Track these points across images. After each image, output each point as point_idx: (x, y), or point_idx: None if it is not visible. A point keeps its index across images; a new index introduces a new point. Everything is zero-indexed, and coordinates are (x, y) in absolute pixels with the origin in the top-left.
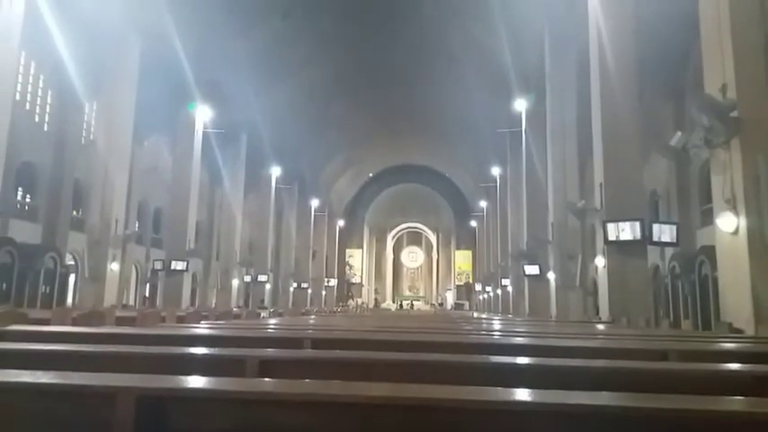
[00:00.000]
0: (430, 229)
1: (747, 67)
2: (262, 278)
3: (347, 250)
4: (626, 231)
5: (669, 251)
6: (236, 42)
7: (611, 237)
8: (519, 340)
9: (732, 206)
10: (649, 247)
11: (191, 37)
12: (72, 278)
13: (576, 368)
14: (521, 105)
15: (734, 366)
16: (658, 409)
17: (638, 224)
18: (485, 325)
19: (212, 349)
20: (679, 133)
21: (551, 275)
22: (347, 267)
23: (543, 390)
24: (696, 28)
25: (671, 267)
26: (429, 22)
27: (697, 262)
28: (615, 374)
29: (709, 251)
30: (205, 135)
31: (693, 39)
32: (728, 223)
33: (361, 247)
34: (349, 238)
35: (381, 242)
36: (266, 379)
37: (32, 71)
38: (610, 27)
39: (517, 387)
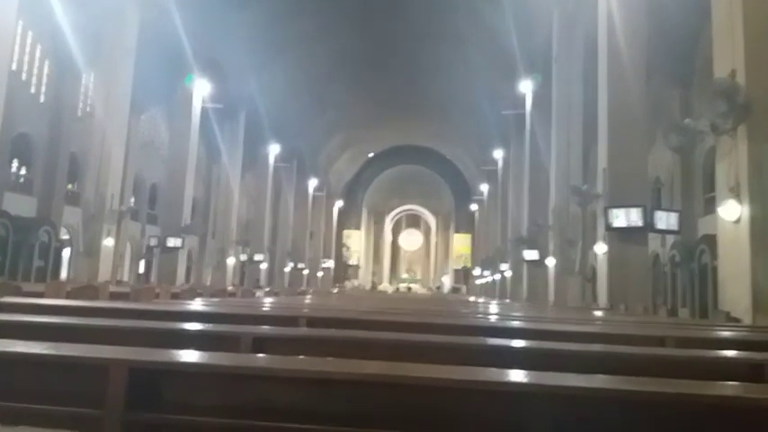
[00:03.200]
0: (429, 211)
1: (757, 53)
2: (258, 257)
3: (345, 231)
4: (628, 218)
5: (670, 239)
6: (236, 15)
7: (613, 223)
8: (516, 324)
9: (735, 194)
10: (650, 235)
11: (190, 9)
12: (66, 252)
13: (573, 352)
14: (526, 87)
15: (731, 353)
16: (655, 393)
17: (640, 211)
18: (481, 309)
19: (206, 325)
20: (687, 120)
21: (550, 261)
22: (344, 249)
23: (540, 372)
24: (707, 13)
25: (671, 255)
26: (434, 2)
27: (697, 251)
28: (612, 359)
29: (710, 240)
30: (203, 110)
31: (705, 20)
32: (731, 212)
33: (359, 229)
34: (347, 219)
35: (380, 224)
36: (260, 354)
37: (29, 41)
38: (620, 8)
39: (513, 368)
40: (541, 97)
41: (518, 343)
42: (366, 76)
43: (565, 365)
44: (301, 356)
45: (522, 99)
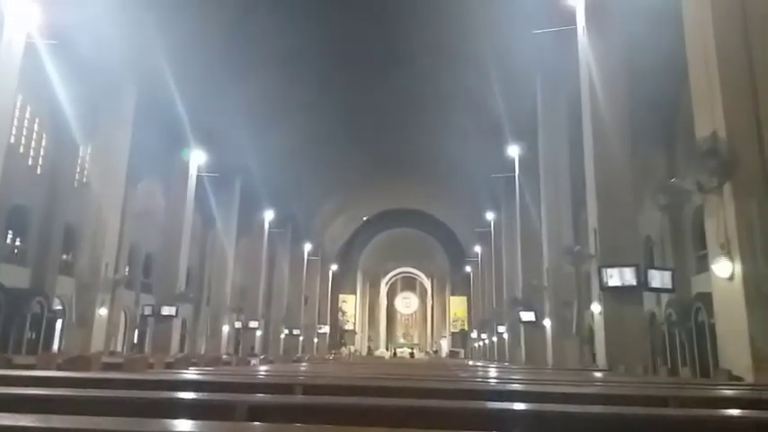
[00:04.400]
0: (424, 274)
1: (737, 112)
2: (252, 324)
3: (340, 295)
4: (622, 277)
5: (665, 298)
6: (232, 87)
7: (608, 282)
8: (515, 387)
9: (727, 251)
10: (645, 294)
11: (186, 81)
12: (59, 324)
13: (574, 414)
14: (514, 151)
15: (735, 412)
16: None
17: (633, 270)
18: (481, 372)
19: (200, 394)
20: (673, 179)
21: (547, 322)
22: (340, 313)
23: None
24: (685, 75)
25: (667, 314)
26: (423, 69)
27: (693, 309)
28: (615, 421)
29: (706, 298)
30: (199, 179)
31: (684, 83)
32: (724, 269)
33: (355, 293)
34: (342, 283)
35: (375, 287)
36: (255, 423)
37: (28, 114)
38: (601, 73)
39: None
40: (530, 160)
41: (518, 406)
42: (359, 143)
43: (566, 428)
44: (298, 424)
45: (512, 162)
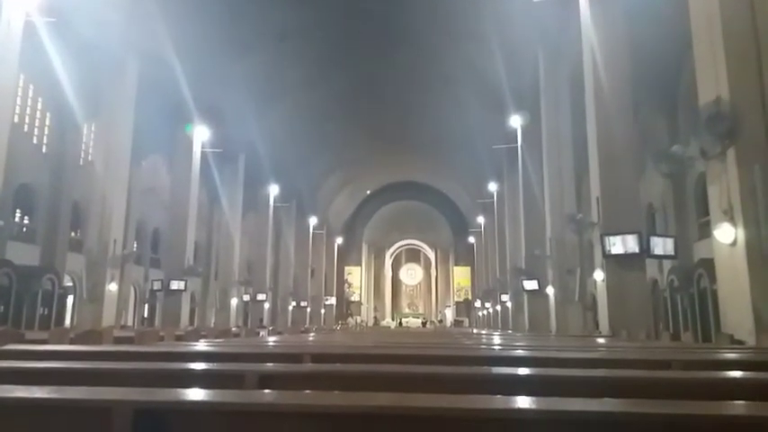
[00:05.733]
0: (428, 245)
1: (740, 78)
2: (260, 297)
3: (346, 268)
4: (624, 244)
5: (667, 265)
6: (234, 64)
7: (611, 250)
8: (519, 353)
9: (729, 217)
10: (647, 261)
11: (189, 58)
12: (70, 299)
13: (577, 377)
14: (516, 122)
15: (737, 374)
16: (664, 414)
17: (636, 237)
18: (485, 340)
19: (211, 364)
20: (675, 146)
21: (550, 290)
22: (346, 285)
23: (546, 398)
24: (688, 41)
25: (669, 281)
26: (424, 42)
27: (695, 275)
28: (618, 383)
29: (708, 264)
30: (203, 155)
31: (686, 52)
32: (726, 235)
33: (360, 265)
34: (347, 255)
35: (380, 259)
36: (266, 390)
37: (31, 93)
38: (602, 43)
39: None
40: (532, 130)
41: (522, 371)
42: (361, 117)
43: (570, 391)
44: (307, 391)
45: (513, 133)
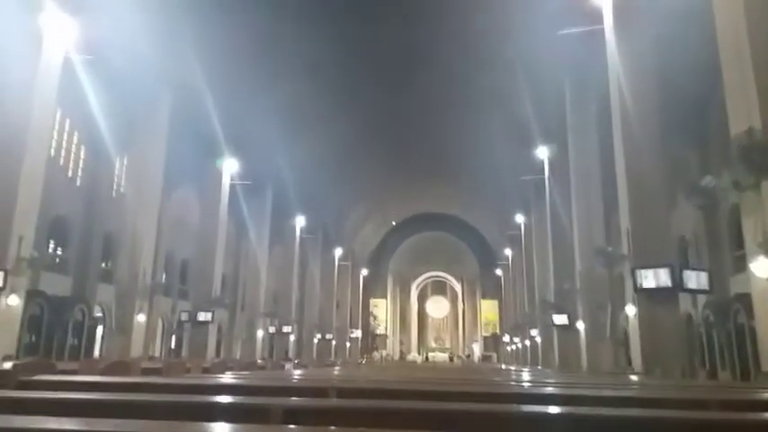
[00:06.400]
0: (455, 277)
1: None
2: (286, 329)
3: (371, 300)
4: (657, 278)
5: (701, 299)
6: (262, 96)
7: (642, 284)
8: (549, 390)
9: (766, 250)
10: (681, 295)
11: (218, 92)
12: (99, 330)
13: (609, 418)
14: (543, 153)
15: None
16: None
17: (668, 270)
18: (514, 376)
19: (237, 397)
20: (707, 177)
21: (581, 325)
22: (371, 318)
23: None
24: (718, 71)
25: (704, 316)
26: (450, 73)
27: (732, 310)
28: (652, 424)
29: (745, 299)
30: (232, 187)
31: (716, 82)
32: (763, 269)
33: (385, 297)
34: (373, 287)
35: (405, 292)
36: (291, 426)
37: (67, 128)
38: (629, 73)
39: None
40: (559, 161)
41: (553, 409)
42: (387, 147)
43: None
44: (332, 427)
45: (541, 164)
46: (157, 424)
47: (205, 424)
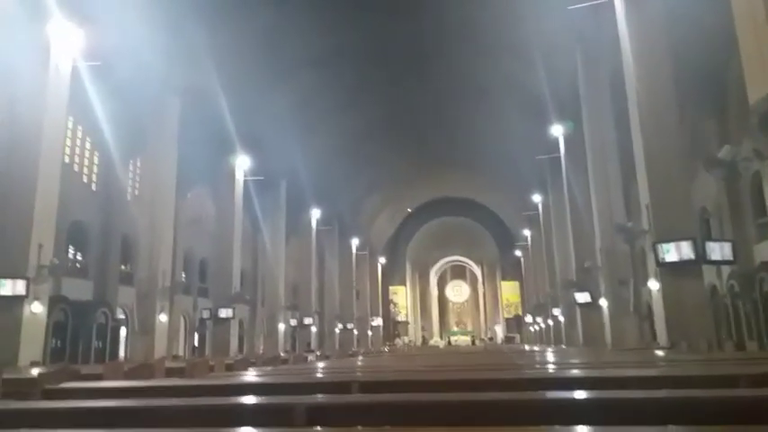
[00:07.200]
0: (473, 261)
1: None
2: (307, 321)
3: (390, 288)
4: (679, 251)
5: (726, 269)
6: (273, 91)
7: (665, 258)
8: (575, 372)
9: None
10: (704, 267)
11: (228, 89)
12: (123, 331)
13: (637, 400)
14: (557, 131)
15: None
16: None
17: (690, 243)
18: (538, 358)
19: (259, 398)
20: (726, 146)
21: (603, 302)
22: (391, 305)
23: (604, 427)
24: (733, 41)
25: (729, 286)
26: (459, 56)
27: (757, 279)
28: (680, 406)
29: None
30: (246, 183)
31: (732, 51)
32: None
33: (405, 284)
34: (391, 275)
35: (424, 278)
36: (317, 428)
37: (80, 134)
38: (641, 45)
39: (576, 424)
40: (574, 138)
41: (579, 394)
42: (400, 135)
43: (632, 417)
44: (359, 427)
45: (556, 143)
46: None
47: (228, 430)
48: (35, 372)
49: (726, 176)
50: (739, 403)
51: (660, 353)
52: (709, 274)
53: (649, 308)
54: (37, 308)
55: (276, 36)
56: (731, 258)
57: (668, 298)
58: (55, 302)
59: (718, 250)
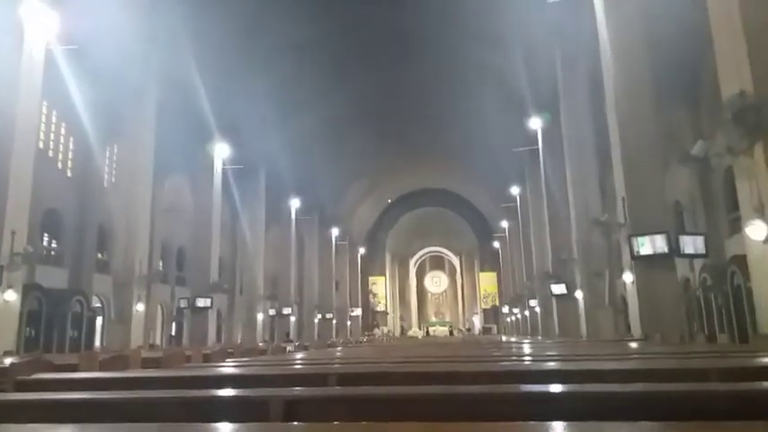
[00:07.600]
0: (452, 252)
1: (764, 70)
2: (286, 311)
3: (370, 278)
4: (653, 245)
5: (698, 263)
6: (251, 79)
7: (640, 251)
8: (551, 365)
9: (761, 214)
10: (678, 260)
11: (207, 76)
12: (99, 321)
13: (611, 394)
14: (536, 124)
15: None
16: None
17: (664, 237)
18: (514, 350)
19: (236, 391)
20: (700, 142)
21: (579, 294)
22: (371, 296)
23: (579, 422)
24: (708, 38)
25: (702, 279)
26: (441, 47)
27: (728, 272)
28: (653, 399)
29: (741, 261)
30: (224, 171)
31: (706, 47)
32: (758, 231)
33: (384, 275)
34: (371, 265)
35: (404, 268)
36: (294, 423)
37: (54, 119)
38: (618, 40)
39: (551, 418)
40: (552, 131)
41: (554, 388)
42: (380, 125)
43: (607, 410)
44: (335, 423)
45: (534, 135)
46: (152, 426)
47: (203, 425)
48: (7, 362)
49: (699, 171)
50: (709, 396)
51: (634, 344)
52: (682, 268)
53: (624, 300)
54: (10, 296)
55: (256, 22)
56: (704, 252)
57: (642, 290)
58: (29, 290)
59: (692, 244)
